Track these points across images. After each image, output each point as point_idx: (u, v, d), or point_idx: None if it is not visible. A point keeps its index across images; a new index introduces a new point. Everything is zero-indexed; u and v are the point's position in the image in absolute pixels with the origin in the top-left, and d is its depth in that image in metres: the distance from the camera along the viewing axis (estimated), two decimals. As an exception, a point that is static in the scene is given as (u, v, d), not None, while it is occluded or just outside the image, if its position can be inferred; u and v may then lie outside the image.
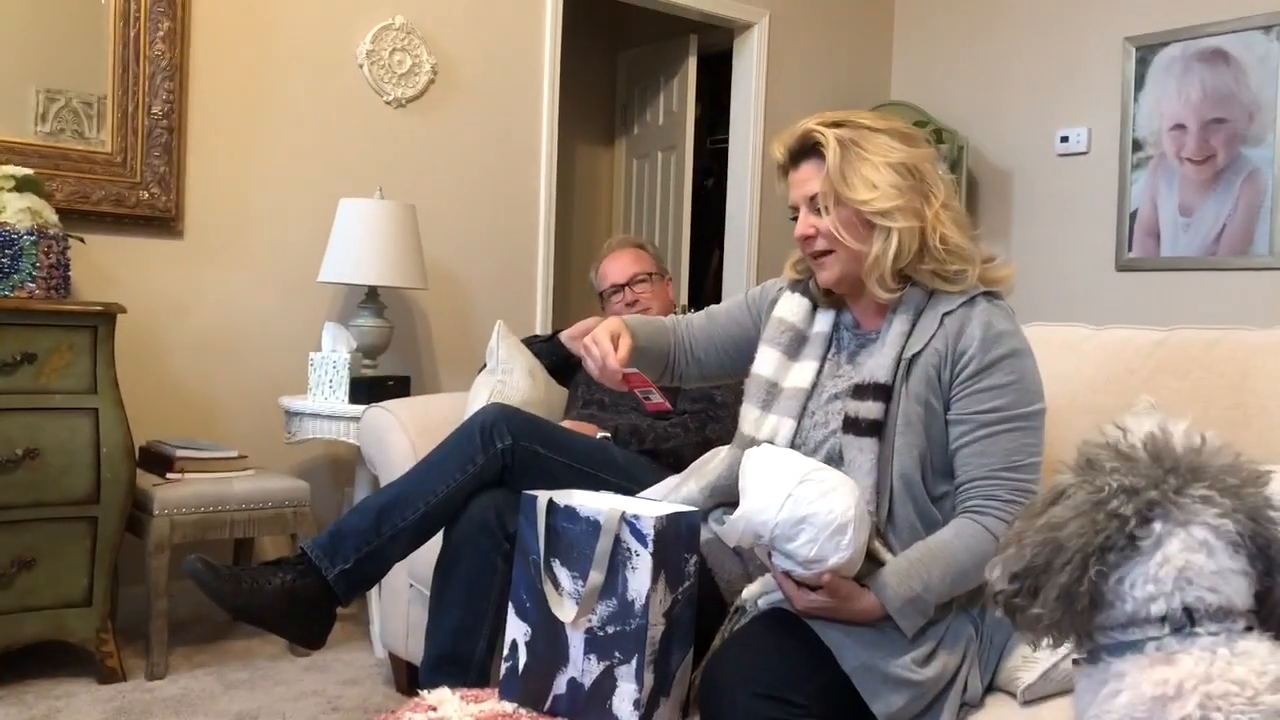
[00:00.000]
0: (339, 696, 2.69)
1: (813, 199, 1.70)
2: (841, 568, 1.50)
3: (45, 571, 2.62)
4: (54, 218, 2.80)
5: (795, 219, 1.75)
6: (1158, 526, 1.16)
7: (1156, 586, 1.16)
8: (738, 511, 1.52)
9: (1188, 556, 1.15)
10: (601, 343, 1.74)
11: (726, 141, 4.95)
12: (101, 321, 2.69)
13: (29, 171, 2.81)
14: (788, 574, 1.53)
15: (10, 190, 2.73)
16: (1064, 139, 4.65)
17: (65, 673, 2.74)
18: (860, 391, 1.67)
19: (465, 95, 3.88)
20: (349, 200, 3.36)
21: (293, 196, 3.51)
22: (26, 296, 2.66)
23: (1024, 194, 4.83)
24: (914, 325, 1.69)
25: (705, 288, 5.79)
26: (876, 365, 1.68)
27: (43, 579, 2.62)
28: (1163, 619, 1.15)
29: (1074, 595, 1.16)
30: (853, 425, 1.65)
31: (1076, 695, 1.27)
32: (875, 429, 1.64)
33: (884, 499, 1.63)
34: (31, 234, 2.68)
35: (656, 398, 1.72)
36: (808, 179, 1.71)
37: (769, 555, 1.55)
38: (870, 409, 1.64)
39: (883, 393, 1.65)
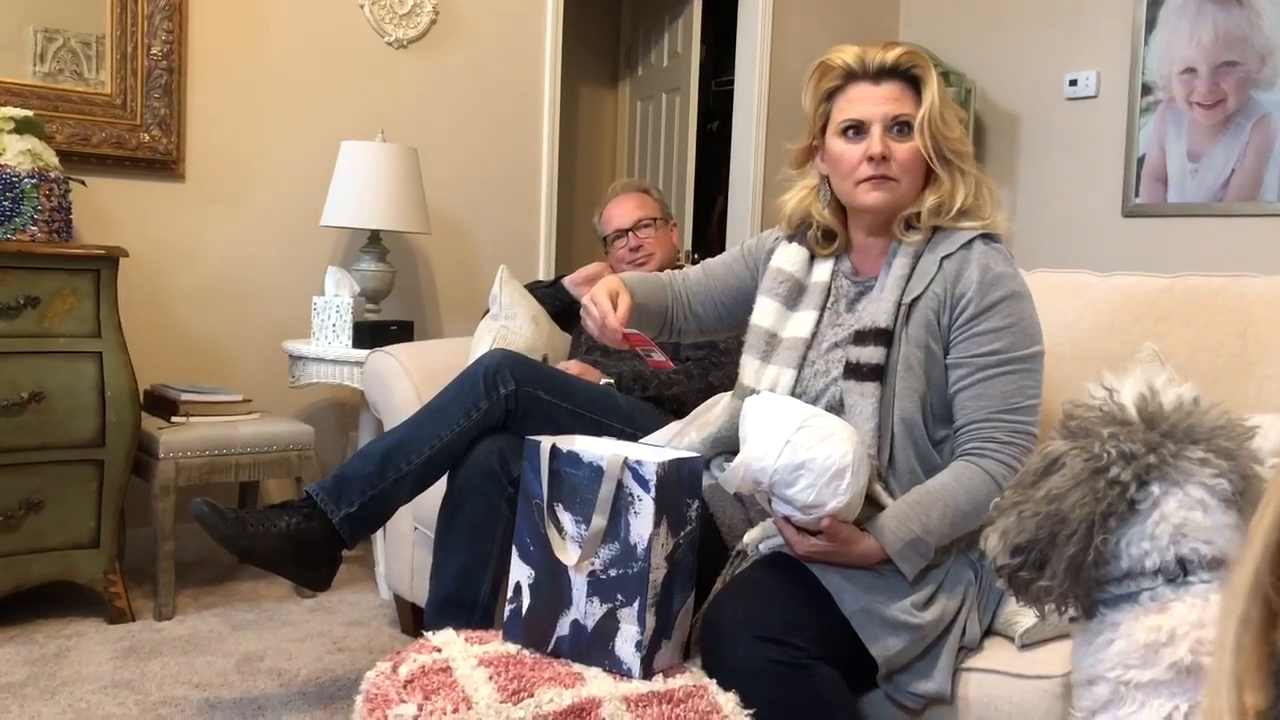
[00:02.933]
0: (344, 637, 2.73)
1: (897, 119, 1.68)
2: (840, 512, 1.51)
3: (53, 513, 2.65)
4: (54, 160, 2.78)
5: (851, 131, 1.70)
6: (1155, 488, 1.17)
7: (1152, 543, 1.17)
8: (738, 458, 1.52)
9: (1185, 514, 1.16)
10: (601, 302, 1.73)
11: (731, 84, 4.90)
12: (104, 265, 2.69)
13: (29, 113, 2.79)
14: (787, 519, 1.54)
15: (10, 132, 2.71)
16: (1072, 82, 4.60)
17: (75, 613, 2.77)
18: (861, 337, 1.67)
19: (467, 36, 3.84)
20: (350, 143, 3.34)
21: (294, 139, 3.49)
22: (29, 240, 2.65)
23: (1031, 138, 4.79)
24: (913, 269, 1.69)
25: (709, 233, 5.76)
26: (877, 310, 1.68)
27: (51, 521, 2.65)
28: (1156, 571, 1.17)
29: (1081, 565, 1.17)
30: (854, 371, 1.66)
31: (1073, 649, 1.29)
32: (877, 373, 1.64)
33: (885, 443, 1.63)
34: (32, 176, 2.66)
35: (658, 355, 1.72)
36: (896, 98, 1.68)
37: (769, 501, 1.56)
38: (872, 354, 1.65)
39: (884, 337, 1.65)
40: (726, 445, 1.80)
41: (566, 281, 2.94)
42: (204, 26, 3.30)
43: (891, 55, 1.69)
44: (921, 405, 1.64)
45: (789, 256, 1.82)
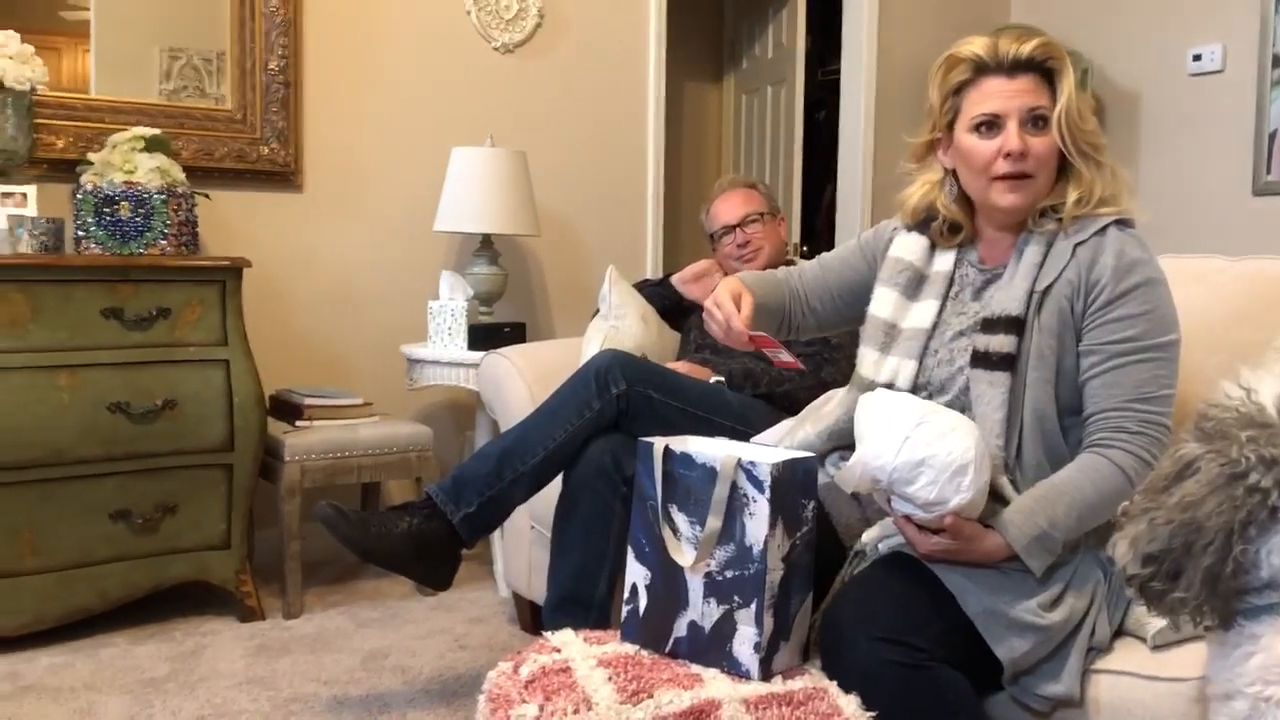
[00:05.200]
0: (465, 635, 2.78)
1: (1033, 112, 1.63)
2: (963, 509, 1.48)
3: (187, 516, 2.75)
4: (181, 176, 2.89)
5: (985, 126, 1.65)
6: None
7: None
8: (854, 457, 1.50)
9: None
10: (724, 305, 1.72)
11: (838, 73, 4.83)
12: (229, 275, 2.79)
13: (158, 132, 2.90)
14: (908, 518, 1.52)
15: (141, 151, 2.83)
16: (1196, 57, 4.41)
17: (209, 611, 2.88)
18: (991, 325, 1.63)
19: (572, 37, 3.87)
20: (460, 149, 3.40)
21: (406, 147, 3.56)
22: (159, 254, 2.76)
23: (1153, 117, 4.61)
24: (1045, 257, 1.65)
25: (818, 225, 5.70)
26: (1008, 298, 1.64)
27: (185, 523, 2.75)
28: None
29: (1218, 576, 1.12)
30: (983, 359, 1.62)
31: (1209, 660, 1.24)
32: (1007, 363, 1.60)
33: (1014, 435, 1.60)
34: (162, 193, 2.77)
35: (785, 356, 1.70)
36: (1031, 90, 1.63)
37: (888, 500, 1.54)
38: (1002, 342, 1.61)
39: (1015, 326, 1.61)
40: (842, 439, 1.78)
41: (675, 280, 2.94)
42: (317, 40, 3.39)
43: (1027, 48, 1.64)
44: (1054, 396, 1.60)
45: (909, 245, 1.79)
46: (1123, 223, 1.66)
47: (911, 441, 1.47)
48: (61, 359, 2.57)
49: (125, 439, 2.63)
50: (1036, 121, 1.63)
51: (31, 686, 2.39)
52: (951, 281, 1.75)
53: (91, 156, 2.85)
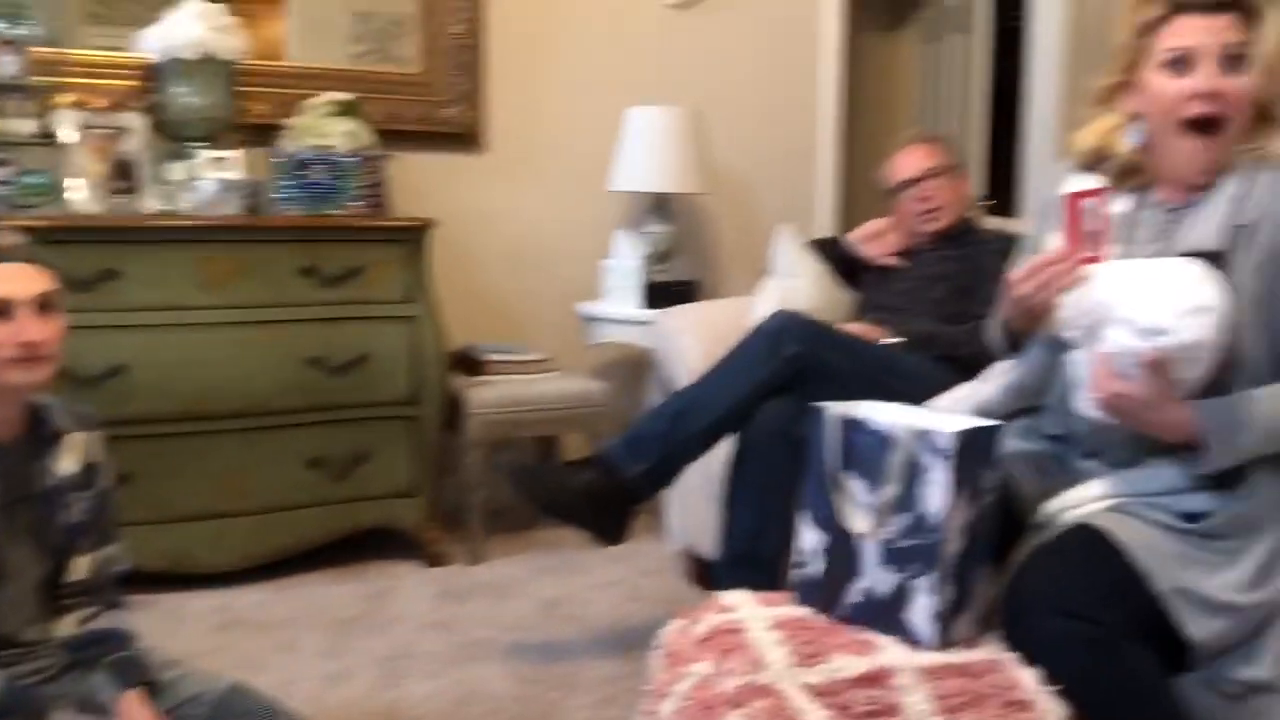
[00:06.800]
0: (639, 586, 2.84)
1: (1229, 49, 1.52)
2: (1184, 352, 1.41)
3: (377, 465, 2.89)
4: (371, 139, 3.00)
5: (1176, 64, 1.55)
6: None
7: None
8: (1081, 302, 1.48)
9: None
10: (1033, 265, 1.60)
11: (1021, 19, 4.61)
12: (417, 235, 2.89)
13: (351, 97, 3.02)
14: (1109, 357, 1.46)
15: (334, 115, 2.95)
16: None
17: (397, 556, 3.01)
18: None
19: (748, -9, 3.82)
20: (635, 109, 3.41)
21: (583, 107, 3.60)
22: (351, 214, 2.88)
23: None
24: (1248, 192, 1.54)
25: (1004, 182, 5.49)
26: (1203, 232, 1.54)
27: (375, 471, 2.89)
28: None
29: None
30: None
31: None
32: None
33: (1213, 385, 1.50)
34: (354, 156, 2.89)
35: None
36: (1229, 28, 1.53)
37: (1097, 335, 1.48)
38: None
39: (1212, 261, 1.51)
40: (1027, 397, 1.72)
41: (850, 238, 2.89)
42: (499, 4, 3.45)
43: None
44: (1266, 343, 1.49)
45: (1078, 186, 1.70)
46: None
47: (1152, 272, 1.43)
48: (262, 315, 2.73)
49: (320, 391, 2.78)
50: (1233, 61, 1.53)
51: (239, 620, 2.56)
52: (1130, 225, 1.64)
53: (288, 121, 2.99)
